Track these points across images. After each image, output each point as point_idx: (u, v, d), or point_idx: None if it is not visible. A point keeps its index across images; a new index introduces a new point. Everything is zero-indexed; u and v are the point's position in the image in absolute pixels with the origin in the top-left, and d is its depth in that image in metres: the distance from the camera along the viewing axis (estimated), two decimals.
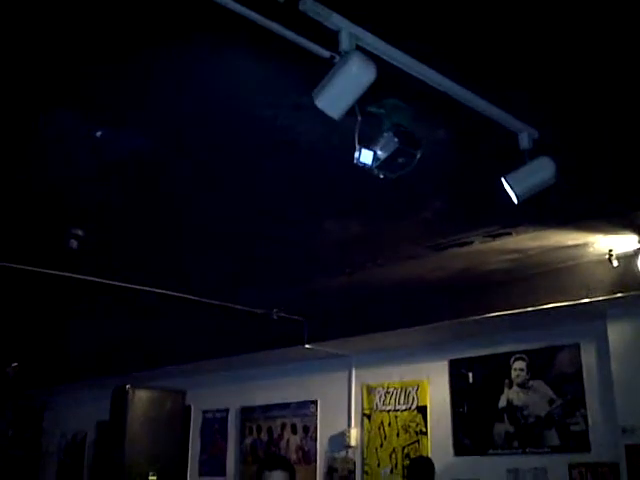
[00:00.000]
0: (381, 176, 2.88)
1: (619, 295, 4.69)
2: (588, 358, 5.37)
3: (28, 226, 4.29)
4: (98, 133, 3.12)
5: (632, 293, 4.63)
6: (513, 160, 3.01)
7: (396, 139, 2.72)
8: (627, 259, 4.56)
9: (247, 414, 7.56)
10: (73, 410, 9.21)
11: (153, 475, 4.98)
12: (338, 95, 2.53)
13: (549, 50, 2.55)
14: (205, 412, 7.91)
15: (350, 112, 2.61)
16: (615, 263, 4.57)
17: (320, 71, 2.51)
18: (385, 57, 2.52)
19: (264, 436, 7.35)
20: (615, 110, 2.94)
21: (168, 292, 5.40)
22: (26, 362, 8.45)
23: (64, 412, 9.44)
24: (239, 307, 5.88)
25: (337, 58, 2.48)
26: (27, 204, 4.00)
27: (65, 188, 3.75)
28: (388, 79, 2.57)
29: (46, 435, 9.70)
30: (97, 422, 8.52)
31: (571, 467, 5.24)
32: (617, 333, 5.02)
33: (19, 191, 3.81)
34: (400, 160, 2.79)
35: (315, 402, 7.00)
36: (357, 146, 2.77)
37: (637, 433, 4.77)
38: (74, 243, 4.14)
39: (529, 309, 5.05)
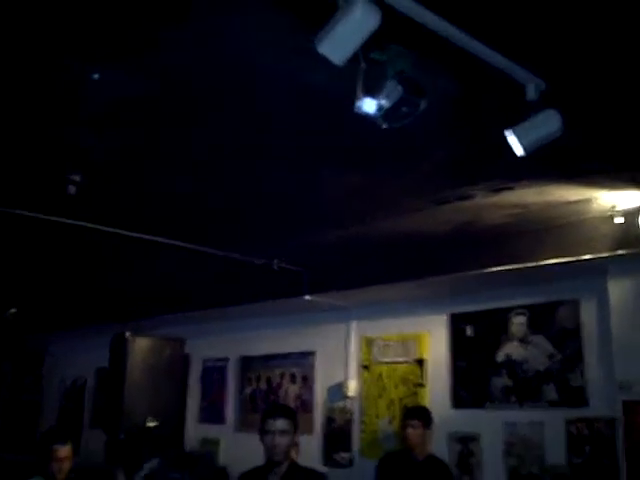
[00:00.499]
0: (384, 126, 2.81)
1: (621, 252, 4.65)
2: (588, 314, 5.37)
3: (26, 171, 4.25)
4: (95, 75, 3.05)
5: (634, 250, 4.59)
6: (518, 112, 2.93)
7: (400, 87, 2.65)
8: (630, 215, 4.51)
9: (247, 363, 7.62)
10: (73, 356, 9.29)
11: (152, 421, 5.03)
12: (341, 41, 2.46)
13: None
14: (205, 361, 7.98)
15: (353, 59, 2.55)
16: (618, 220, 4.53)
17: (323, 16, 2.44)
18: (390, 2, 2.44)
19: (263, 385, 7.42)
20: (625, 63, 2.86)
21: (168, 240, 5.38)
22: (26, 308, 8.50)
23: (64, 358, 9.53)
24: (239, 257, 5.87)
25: (341, 2, 2.41)
26: (24, 149, 3.95)
27: (62, 132, 3.69)
28: (392, 25, 2.49)
29: (46, 381, 9.82)
30: (97, 368, 8.61)
31: (568, 422, 5.28)
32: (618, 290, 5.00)
33: (16, 135, 3.76)
34: (404, 109, 2.72)
35: (314, 353, 7.04)
36: (360, 94, 2.71)
37: (634, 389, 4.79)
38: (72, 189, 4.10)
39: (530, 264, 5.03)
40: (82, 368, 9.08)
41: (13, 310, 8.28)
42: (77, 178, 4.03)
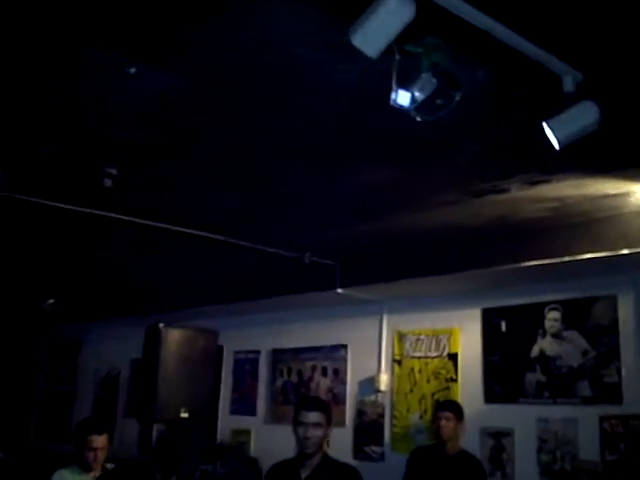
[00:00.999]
0: (418, 118, 2.79)
1: None
2: (625, 310, 5.29)
3: (63, 164, 4.31)
4: (132, 70, 3.08)
5: None
6: (555, 104, 2.89)
7: (435, 80, 2.63)
8: None
9: (278, 356, 7.65)
10: (107, 347, 9.42)
11: (185, 412, 5.07)
12: (375, 33, 2.45)
13: None
14: (237, 353, 8.03)
15: (387, 51, 2.54)
16: None
17: (357, 8, 2.43)
18: None
19: (294, 378, 7.44)
20: None
21: (203, 233, 5.42)
22: (62, 299, 8.64)
23: (99, 349, 9.66)
24: (272, 250, 5.89)
25: None
26: (62, 143, 4.00)
27: (99, 126, 3.74)
28: (427, 17, 2.47)
29: (81, 371, 9.96)
30: (131, 359, 8.71)
31: (602, 419, 5.21)
32: None
33: (54, 129, 3.81)
34: (438, 102, 2.70)
35: (346, 346, 7.04)
36: (394, 87, 2.69)
37: None
38: (108, 182, 4.15)
39: (566, 259, 4.96)
40: (117, 359, 9.20)
41: (51, 301, 8.43)
42: (113, 171, 4.08)
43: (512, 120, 3.42)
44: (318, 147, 3.91)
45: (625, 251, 4.71)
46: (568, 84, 2.89)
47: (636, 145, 3.68)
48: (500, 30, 2.60)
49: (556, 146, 2.96)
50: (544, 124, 2.95)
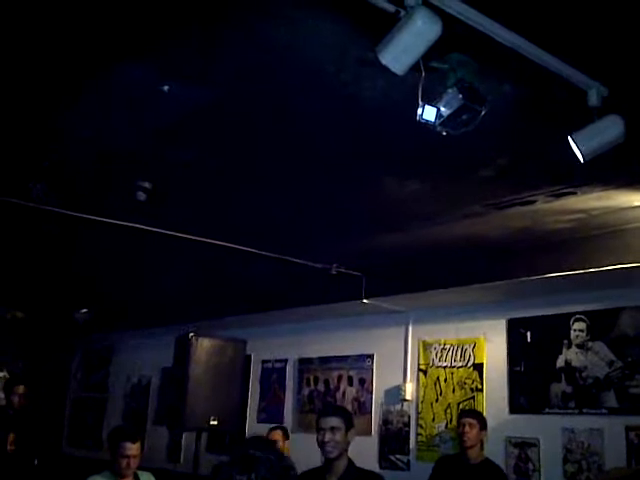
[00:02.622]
0: (444, 133, 2.87)
1: None
2: None
3: (97, 178, 4.43)
4: (165, 87, 3.19)
5: None
6: (580, 118, 2.95)
7: (460, 95, 2.70)
8: None
9: (305, 365, 7.72)
10: (139, 356, 9.54)
11: (214, 420, 5.15)
12: (403, 50, 2.52)
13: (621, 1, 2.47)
14: (264, 362, 8.10)
15: (414, 67, 2.60)
16: None
17: (385, 26, 2.50)
18: (451, 11, 2.49)
19: (321, 387, 7.50)
20: None
21: (233, 245, 5.50)
22: (95, 309, 8.78)
23: (130, 358, 9.78)
24: (299, 261, 5.97)
25: (402, 13, 2.46)
26: (96, 158, 4.12)
27: (132, 141, 3.85)
28: (453, 34, 2.54)
29: (112, 379, 10.09)
30: (162, 368, 8.82)
31: (628, 429, 5.20)
32: None
33: (88, 145, 3.93)
34: (464, 117, 2.77)
35: (372, 356, 7.09)
36: (420, 102, 2.76)
37: None
38: (142, 195, 4.26)
39: (591, 270, 4.97)
40: (147, 367, 9.31)
41: (83, 310, 8.57)
42: (147, 185, 4.18)
43: (537, 133, 3.48)
44: (345, 159, 3.99)
45: None
46: (593, 98, 2.94)
47: None
48: (525, 46, 2.66)
49: (581, 159, 3.01)
50: (569, 137, 3.00)
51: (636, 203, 4.41)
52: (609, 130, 2.94)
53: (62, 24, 2.76)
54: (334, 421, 3.77)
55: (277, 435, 6.43)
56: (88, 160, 4.16)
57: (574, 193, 4.25)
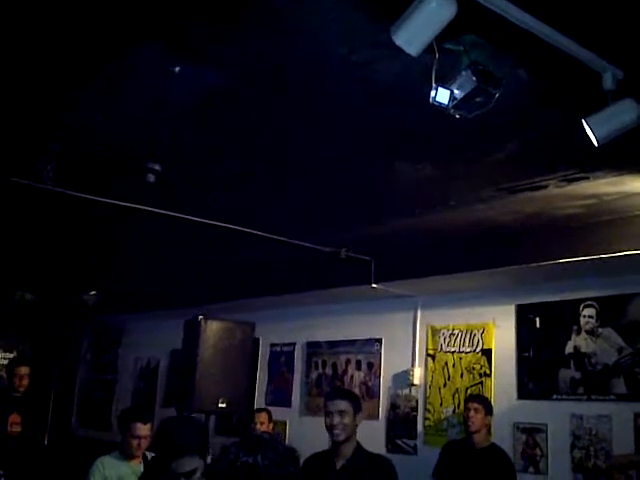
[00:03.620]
0: (457, 116, 2.84)
1: None
2: None
3: (107, 160, 4.42)
4: (177, 68, 3.17)
5: None
6: (595, 102, 2.92)
7: (474, 77, 2.67)
8: None
9: (313, 349, 7.73)
10: (147, 338, 9.56)
11: (222, 402, 5.16)
12: (417, 31, 2.50)
13: None
14: (273, 345, 8.13)
15: (428, 49, 2.58)
16: None
17: (398, 7, 2.48)
18: None
19: (329, 370, 7.52)
20: None
21: (242, 228, 5.50)
22: (105, 291, 8.81)
23: (139, 339, 9.81)
24: (308, 245, 5.96)
25: None
26: (107, 140, 4.11)
27: (143, 123, 3.84)
28: (468, 15, 2.52)
29: (122, 361, 10.15)
30: (170, 350, 8.86)
31: (637, 416, 5.20)
32: None
33: (98, 127, 3.92)
34: (478, 99, 2.74)
35: (380, 340, 7.10)
36: (434, 84, 2.74)
37: None
38: (151, 177, 4.25)
39: (602, 256, 4.95)
40: (156, 349, 9.34)
41: (93, 293, 8.60)
42: (157, 167, 4.17)
43: (551, 117, 3.45)
44: (355, 143, 3.97)
45: None
46: (608, 81, 2.91)
47: None
48: (540, 27, 2.63)
49: (595, 143, 2.98)
50: (583, 121, 2.97)
51: None
52: (624, 114, 2.91)
53: (75, 5, 2.74)
54: (342, 404, 3.78)
55: (262, 417, 6.67)
56: (98, 142, 4.15)
57: (586, 178, 4.22)
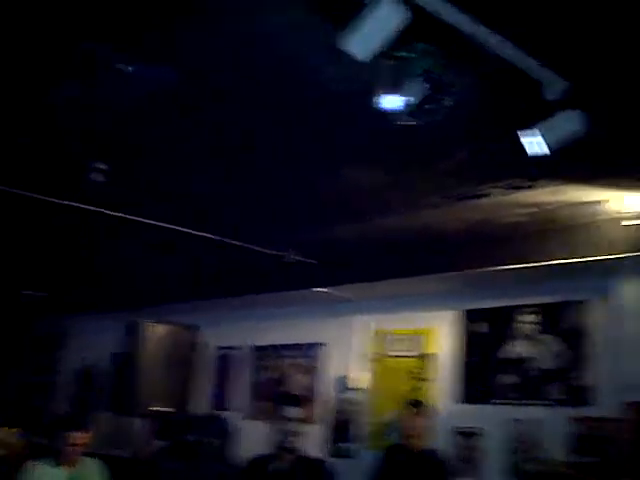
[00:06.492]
0: (407, 123, 2.86)
1: (633, 254, 4.68)
2: (598, 315, 5.39)
3: (53, 159, 4.32)
4: (129, 68, 3.12)
5: None
6: (540, 111, 2.98)
7: (426, 85, 2.70)
8: None
9: (259, 352, 7.70)
10: (89, 340, 9.35)
11: (163, 406, 5.10)
12: (366, 37, 2.52)
13: None
14: (218, 348, 8.05)
15: (379, 55, 2.60)
16: (630, 222, 4.56)
17: (350, 12, 2.49)
18: (417, 1, 2.49)
19: (275, 374, 7.49)
20: None
21: (185, 229, 5.44)
22: (46, 291, 8.58)
23: (80, 342, 9.59)
24: (255, 247, 5.93)
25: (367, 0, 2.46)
26: (53, 137, 4.02)
27: (91, 122, 3.77)
28: (419, 23, 2.54)
29: (61, 364, 9.90)
30: (112, 353, 8.68)
31: (572, 420, 5.32)
32: (630, 291, 5.04)
33: (46, 123, 3.83)
34: (428, 107, 2.77)
35: (324, 344, 7.11)
36: (384, 91, 2.76)
37: None
38: (97, 176, 4.18)
39: (542, 263, 5.06)
40: (98, 352, 9.12)
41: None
42: (102, 166, 4.10)
43: (496, 126, 3.50)
44: (304, 146, 3.97)
45: (599, 257, 4.82)
46: (553, 92, 2.97)
47: (617, 154, 3.78)
48: (488, 37, 2.67)
49: (540, 152, 3.04)
50: (526, 131, 3.03)
51: (586, 199, 4.49)
52: (568, 124, 2.99)
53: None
54: (294, 411, 3.79)
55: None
56: (44, 139, 4.05)
57: (531, 187, 4.30)
